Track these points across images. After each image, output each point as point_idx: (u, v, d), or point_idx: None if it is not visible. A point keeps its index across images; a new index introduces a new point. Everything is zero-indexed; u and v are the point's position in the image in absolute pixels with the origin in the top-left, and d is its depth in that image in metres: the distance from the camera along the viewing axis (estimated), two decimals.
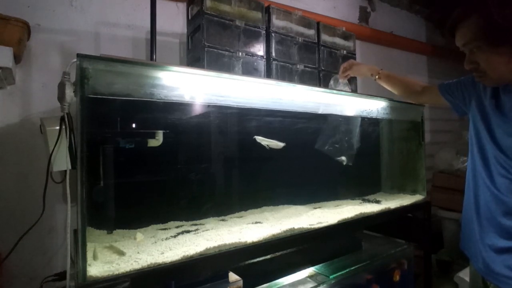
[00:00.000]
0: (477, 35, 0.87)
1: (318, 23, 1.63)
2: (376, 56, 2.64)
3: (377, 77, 1.43)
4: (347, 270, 1.25)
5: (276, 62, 1.44)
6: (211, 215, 1.28)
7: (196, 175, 1.28)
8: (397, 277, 1.39)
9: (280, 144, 1.35)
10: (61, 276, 1.15)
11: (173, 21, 1.66)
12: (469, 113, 1.10)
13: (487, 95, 1.00)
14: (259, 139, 1.33)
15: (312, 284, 1.14)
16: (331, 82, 1.54)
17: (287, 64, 1.48)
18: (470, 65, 0.93)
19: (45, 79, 1.33)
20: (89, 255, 0.80)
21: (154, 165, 1.19)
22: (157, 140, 1.16)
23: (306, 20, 1.58)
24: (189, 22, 1.39)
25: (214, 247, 0.90)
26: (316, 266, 1.26)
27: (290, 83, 1.33)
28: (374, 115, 1.54)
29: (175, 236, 1.02)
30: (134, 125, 1.15)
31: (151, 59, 1.29)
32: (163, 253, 0.86)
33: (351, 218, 1.28)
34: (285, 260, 1.21)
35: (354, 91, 1.68)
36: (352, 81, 1.63)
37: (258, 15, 1.41)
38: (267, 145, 1.33)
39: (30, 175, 1.29)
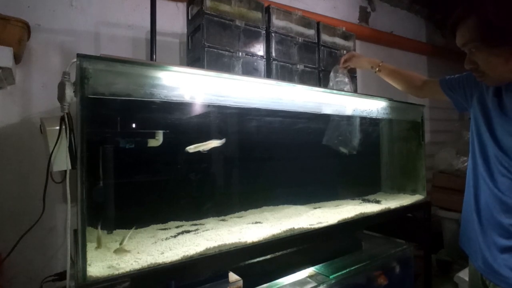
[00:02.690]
0: (475, 35, 0.86)
1: (318, 23, 1.63)
2: (376, 56, 2.58)
3: (377, 69, 1.42)
4: (347, 270, 1.24)
5: (276, 62, 1.44)
6: (211, 215, 1.28)
7: (196, 175, 1.28)
8: (396, 277, 1.38)
9: (215, 142, 1.17)
10: (61, 276, 1.15)
11: (173, 21, 1.66)
12: (470, 110, 1.09)
13: (489, 93, 0.99)
14: (191, 148, 1.13)
15: (312, 284, 1.14)
16: (331, 73, 1.54)
17: (287, 64, 1.48)
18: (469, 65, 0.93)
19: (45, 79, 1.33)
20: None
21: (154, 165, 1.19)
22: (157, 140, 1.16)
23: (306, 20, 1.58)
24: (189, 22, 1.39)
25: (214, 247, 0.90)
26: (316, 266, 1.26)
27: (290, 83, 1.33)
28: (374, 115, 1.54)
29: (175, 236, 1.02)
30: (134, 125, 1.15)
31: (151, 59, 1.29)
32: (163, 253, 0.86)
33: (351, 218, 1.28)
34: (285, 260, 1.21)
35: (354, 91, 1.68)
36: (352, 81, 1.63)
37: (258, 15, 1.41)
38: (203, 149, 1.14)
39: (30, 175, 1.29)
